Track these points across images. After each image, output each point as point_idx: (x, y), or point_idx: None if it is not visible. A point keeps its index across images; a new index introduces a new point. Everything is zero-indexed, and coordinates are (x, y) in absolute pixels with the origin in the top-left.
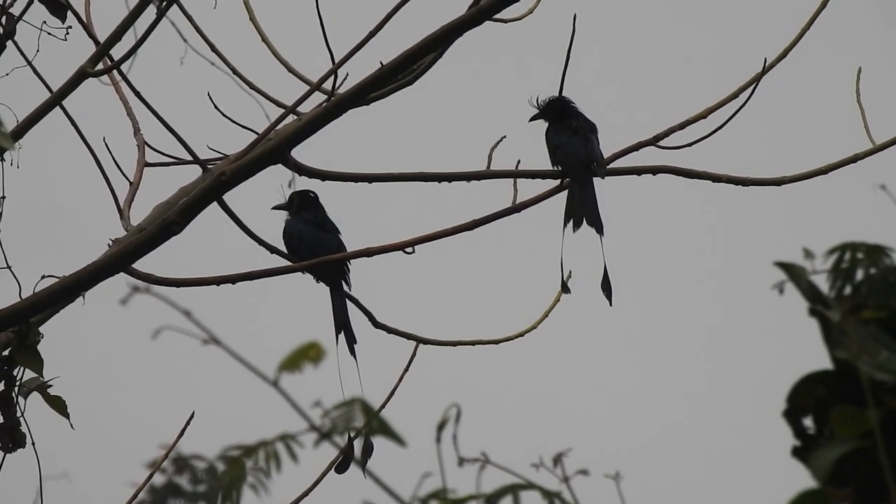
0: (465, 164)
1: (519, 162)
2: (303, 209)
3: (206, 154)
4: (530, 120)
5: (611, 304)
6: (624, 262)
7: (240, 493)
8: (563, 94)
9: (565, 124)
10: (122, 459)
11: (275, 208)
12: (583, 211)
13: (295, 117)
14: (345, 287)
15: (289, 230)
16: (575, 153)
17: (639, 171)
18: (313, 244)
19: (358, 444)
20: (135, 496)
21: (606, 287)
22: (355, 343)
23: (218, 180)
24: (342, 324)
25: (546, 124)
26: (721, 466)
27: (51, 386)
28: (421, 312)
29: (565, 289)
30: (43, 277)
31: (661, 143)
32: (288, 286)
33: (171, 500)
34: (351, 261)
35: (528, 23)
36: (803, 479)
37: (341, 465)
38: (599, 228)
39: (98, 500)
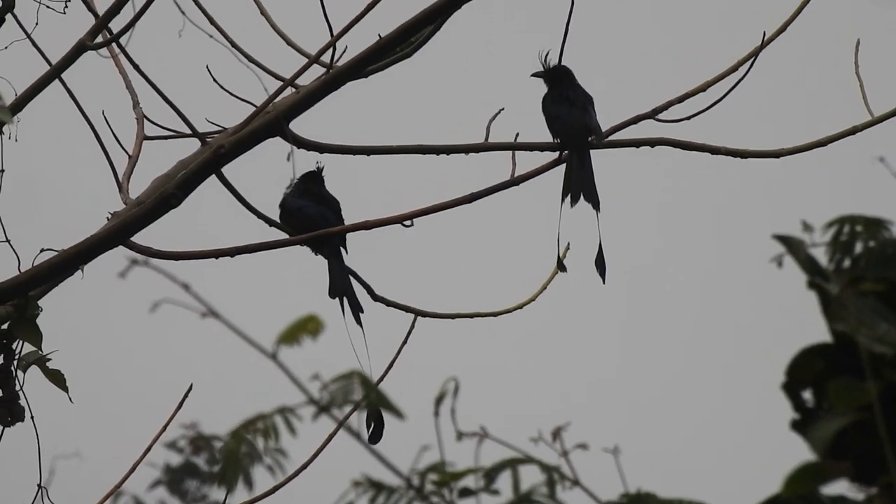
0: (464, 137)
1: (517, 134)
2: (301, 181)
3: (205, 127)
4: (533, 75)
5: (604, 283)
6: (622, 234)
7: (239, 465)
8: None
9: (563, 94)
10: (121, 432)
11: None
12: (580, 185)
13: (293, 90)
14: (343, 255)
15: (287, 204)
16: (574, 124)
17: (637, 143)
18: (314, 217)
19: (378, 413)
20: (132, 470)
21: (601, 265)
22: (361, 312)
23: (216, 153)
24: (344, 291)
25: (542, 94)
26: (720, 439)
27: (50, 360)
28: (420, 285)
29: (562, 267)
30: (42, 251)
31: (660, 116)
32: (287, 259)
33: (188, 480)
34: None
35: None
36: (803, 452)
37: (374, 436)
38: (596, 204)
39: (99, 473)
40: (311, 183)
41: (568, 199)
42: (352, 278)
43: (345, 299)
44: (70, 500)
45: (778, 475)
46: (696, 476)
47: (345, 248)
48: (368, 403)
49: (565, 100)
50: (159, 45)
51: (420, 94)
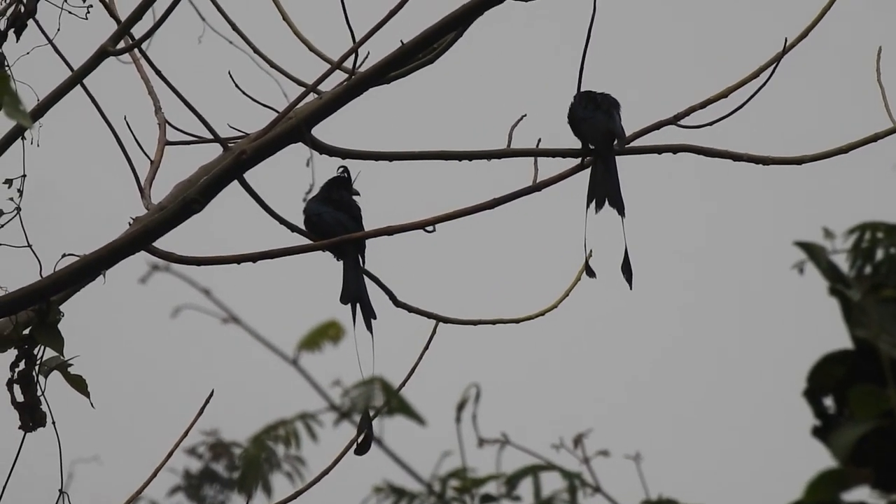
0: (486, 143)
1: (539, 140)
2: (325, 187)
3: (227, 132)
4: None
5: (631, 288)
6: (645, 241)
7: (260, 471)
8: (583, 83)
9: (591, 96)
10: (141, 437)
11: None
12: (605, 191)
13: (315, 96)
14: (361, 262)
15: (308, 210)
16: (598, 127)
17: (659, 149)
18: (331, 223)
19: (370, 423)
20: (153, 476)
21: (627, 270)
22: (374, 318)
23: (238, 159)
24: (358, 298)
25: (567, 101)
26: (742, 446)
27: (71, 365)
28: (441, 291)
29: (590, 273)
30: (63, 256)
31: (682, 122)
32: (309, 265)
33: (207, 487)
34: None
35: (548, 0)
36: (824, 459)
37: (361, 448)
38: (621, 209)
39: (118, 478)
40: (335, 189)
41: (593, 204)
42: (371, 284)
43: (357, 306)
44: None
45: (799, 482)
46: (717, 482)
47: (362, 255)
48: (386, 410)
49: (591, 101)
50: (181, 50)
51: (442, 100)
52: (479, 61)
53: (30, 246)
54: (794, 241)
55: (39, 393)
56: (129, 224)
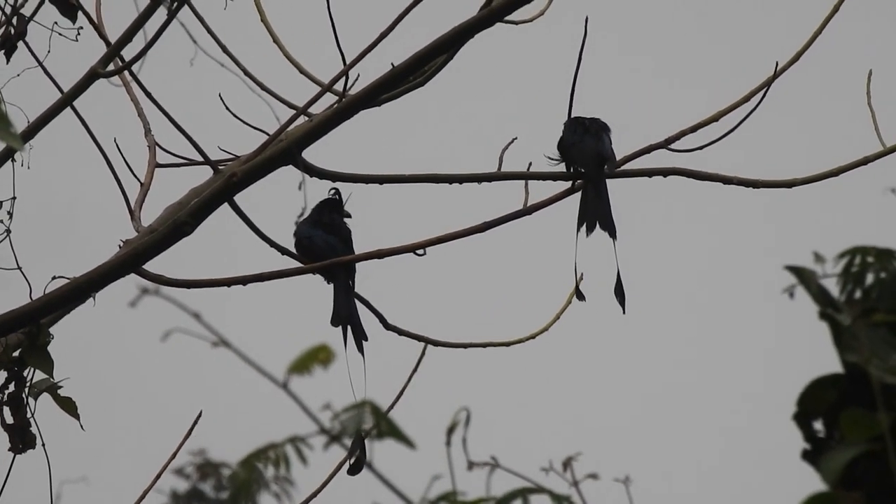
0: (477, 166)
1: (530, 164)
2: (316, 210)
3: (217, 155)
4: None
5: (624, 312)
6: (636, 265)
7: (250, 494)
8: (573, 108)
9: (579, 120)
10: (129, 458)
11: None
12: (596, 214)
13: (306, 118)
14: (351, 285)
15: (298, 233)
16: (588, 151)
17: (650, 173)
18: (321, 246)
19: (362, 444)
20: (142, 497)
21: (620, 293)
22: (365, 340)
23: (229, 181)
24: (348, 321)
25: (557, 124)
26: (731, 470)
27: (61, 387)
28: (432, 314)
29: (580, 296)
30: (53, 278)
31: (673, 145)
32: (299, 288)
33: None
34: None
35: (539, 24)
36: (814, 483)
37: (354, 468)
38: (613, 232)
39: (106, 499)
40: (326, 211)
41: (584, 228)
42: (362, 307)
43: (348, 328)
44: None
45: None
46: None
47: (353, 278)
48: (376, 433)
49: (580, 125)
50: (171, 72)
51: (433, 123)
52: (470, 84)
53: (20, 268)
54: (784, 265)
55: (29, 415)
56: (120, 246)
